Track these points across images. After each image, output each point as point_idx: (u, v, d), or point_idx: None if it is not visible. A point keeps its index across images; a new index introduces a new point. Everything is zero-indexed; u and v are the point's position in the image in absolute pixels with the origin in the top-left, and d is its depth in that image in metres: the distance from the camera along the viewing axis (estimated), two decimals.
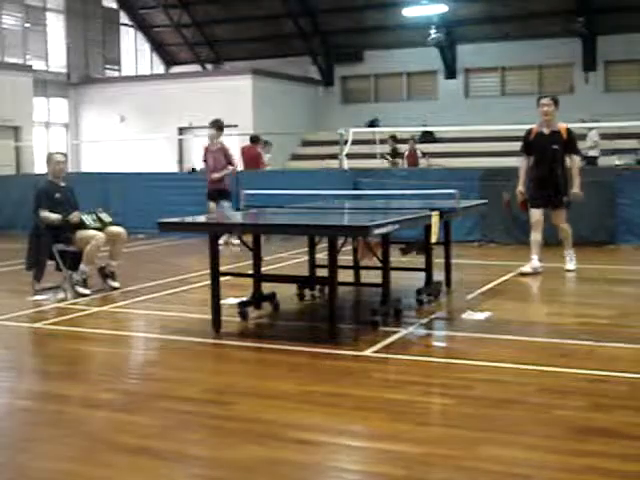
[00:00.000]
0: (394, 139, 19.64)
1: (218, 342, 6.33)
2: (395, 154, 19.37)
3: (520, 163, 9.43)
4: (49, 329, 6.92)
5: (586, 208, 11.89)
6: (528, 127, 9.45)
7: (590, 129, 19.47)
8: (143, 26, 28.67)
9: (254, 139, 16.59)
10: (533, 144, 9.27)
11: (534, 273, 9.14)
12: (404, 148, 19.17)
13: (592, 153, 20.13)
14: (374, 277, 7.41)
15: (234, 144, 21.19)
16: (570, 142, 9.14)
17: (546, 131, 9.17)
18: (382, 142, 20.95)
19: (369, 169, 14.48)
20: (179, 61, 29.41)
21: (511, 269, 9.42)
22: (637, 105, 21.31)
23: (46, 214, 8.45)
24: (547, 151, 9.10)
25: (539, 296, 8.08)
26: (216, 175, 12.55)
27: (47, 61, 25.35)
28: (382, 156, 19.61)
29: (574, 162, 9.15)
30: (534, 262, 9.22)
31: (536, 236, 9.30)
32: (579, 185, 9.14)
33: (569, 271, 9.27)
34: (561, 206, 9.22)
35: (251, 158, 16.15)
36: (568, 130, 9.19)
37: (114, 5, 27.74)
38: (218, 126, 12.70)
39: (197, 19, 27.78)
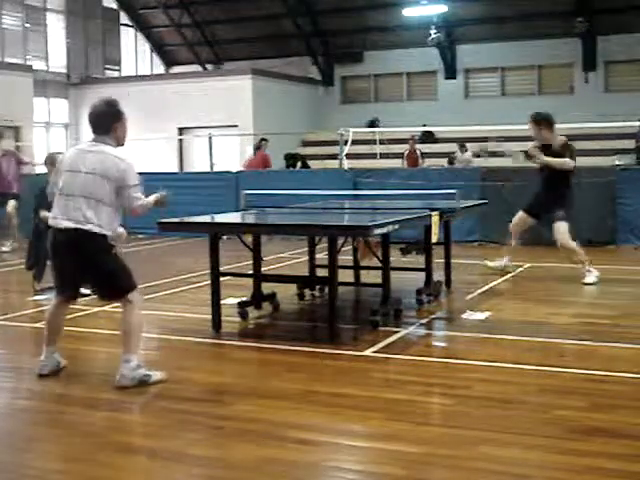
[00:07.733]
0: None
1: (218, 342, 6.34)
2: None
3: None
4: None
5: (586, 208, 11.95)
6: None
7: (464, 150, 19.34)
8: (143, 26, 28.63)
9: (258, 145, 16.71)
10: None
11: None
12: (404, 148, 19.13)
13: None
14: (374, 277, 7.42)
15: (234, 144, 21.27)
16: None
17: None
18: (382, 142, 20.95)
19: (369, 169, 14.46)
20: (179, 61, 29.37)
21: (511, 269, 9.40)
22: (637, 105, 21.28)
23: (46, 214, 8.43)
24: None
25: (539, 296, 8.06)
26: None
27: (47, 61, 25.29)
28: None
29: None
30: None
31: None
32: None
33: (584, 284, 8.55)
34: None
35: (264, 162, 16.17)
36: None
37: (114, 5, 27.69)
38: None
39: (197, 19, 27.74)
